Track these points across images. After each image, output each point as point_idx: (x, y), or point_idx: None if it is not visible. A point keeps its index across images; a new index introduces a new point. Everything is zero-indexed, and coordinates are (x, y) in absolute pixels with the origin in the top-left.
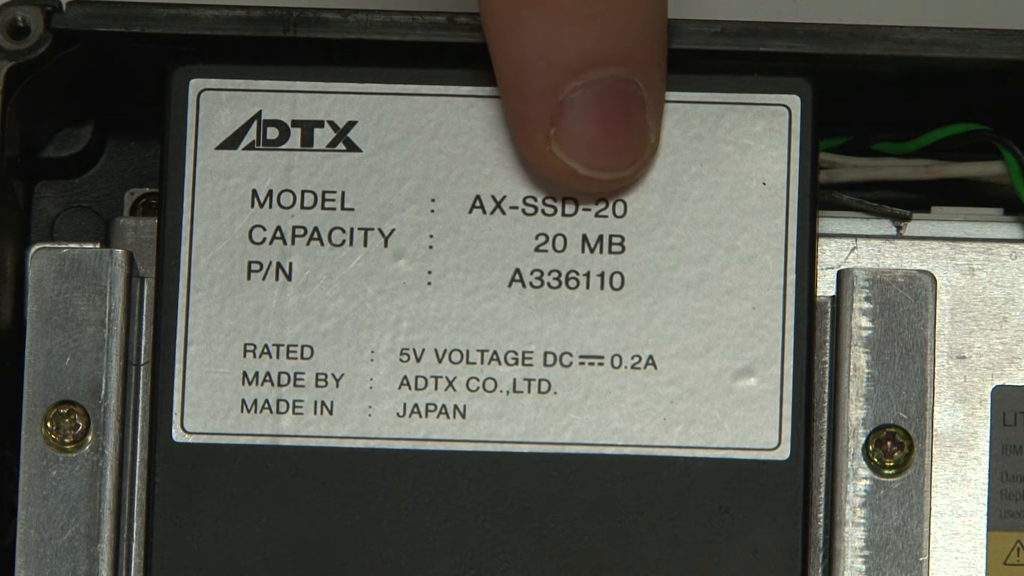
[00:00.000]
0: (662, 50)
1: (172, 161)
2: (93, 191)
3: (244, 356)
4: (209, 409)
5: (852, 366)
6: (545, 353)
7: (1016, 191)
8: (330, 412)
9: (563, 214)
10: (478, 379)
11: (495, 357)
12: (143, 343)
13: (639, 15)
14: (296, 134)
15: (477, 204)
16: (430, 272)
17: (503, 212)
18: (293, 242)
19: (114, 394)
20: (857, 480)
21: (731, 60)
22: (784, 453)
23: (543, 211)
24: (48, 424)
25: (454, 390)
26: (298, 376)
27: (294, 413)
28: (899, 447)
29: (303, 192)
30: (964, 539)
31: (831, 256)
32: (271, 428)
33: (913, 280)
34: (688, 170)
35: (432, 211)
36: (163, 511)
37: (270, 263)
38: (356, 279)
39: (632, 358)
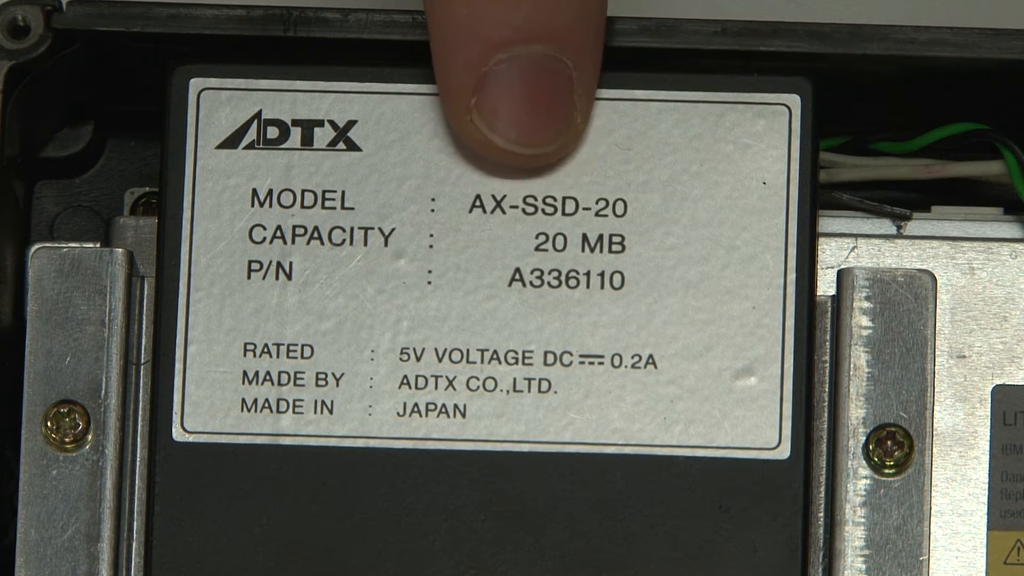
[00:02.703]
0: (596, 33)
1: (172, 161)
2: (93, 191)
3: (244, 355)
4: (209, 409)
5: (852, 365)
6: (545, 352)
7: (1016, 191)
8: (330, 411)
9: (563, 213)
10: (478, 378)
11: (495, 356)
12: (143, 343)
13: None
14: (296, 133)
15: (477, 203)
16: (430, 271)
17: (503, 211)
18: (293, 241)
19: (114, 393)
20: (857, 479)
21: (731, 60)
22: (784, 452)
23: (543, 210)
24: (48, 423)
25: (454, 389)
26: (298, 376)
27: (294, 412)
28: (899, 446)
29: (303, 191)
30: (964, 539)
31: (831, 256)
32: (271, 427)
33: (913, 279)
34: (688, 169)
35: (432, 210)
36: (163, 511)
37: (270, 262)
38: (356, 279)
39: (632, 357)
